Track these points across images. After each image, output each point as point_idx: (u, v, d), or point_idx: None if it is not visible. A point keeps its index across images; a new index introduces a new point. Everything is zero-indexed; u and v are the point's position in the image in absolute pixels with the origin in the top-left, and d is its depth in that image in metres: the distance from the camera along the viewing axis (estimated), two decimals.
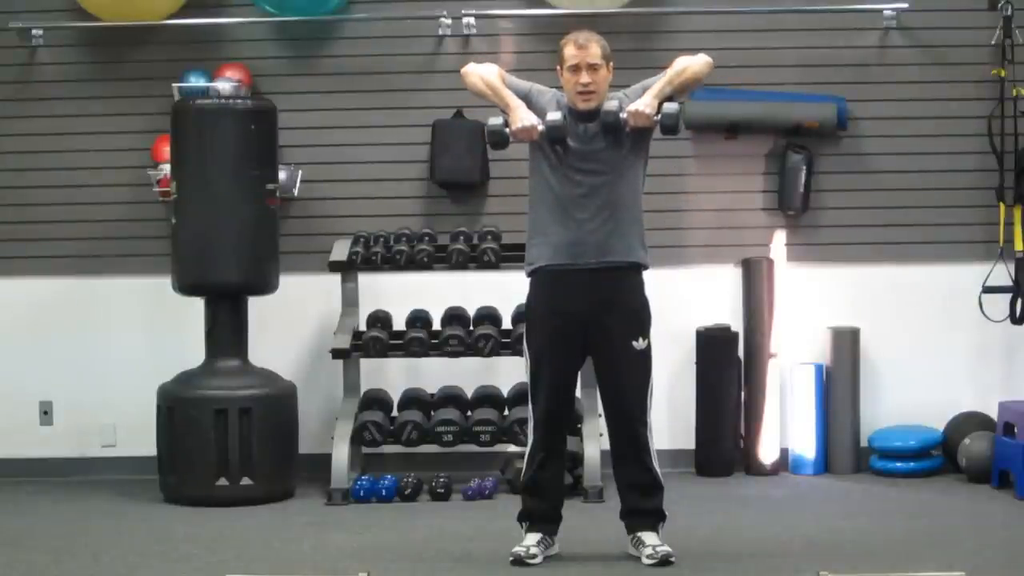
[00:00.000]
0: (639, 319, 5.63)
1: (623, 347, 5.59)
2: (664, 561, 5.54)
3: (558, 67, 5.61)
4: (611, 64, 5.59)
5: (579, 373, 5.80)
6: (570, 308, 5.56)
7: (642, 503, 5.67)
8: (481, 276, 7.31)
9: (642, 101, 5.54)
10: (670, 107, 5.55)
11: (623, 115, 5.50)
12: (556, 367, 5.63)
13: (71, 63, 7.73)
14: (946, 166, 7.56)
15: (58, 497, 7.16)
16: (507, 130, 5.59)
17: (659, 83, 5.61)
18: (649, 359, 5.65)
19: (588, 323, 5.57)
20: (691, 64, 5.63)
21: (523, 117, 5.55)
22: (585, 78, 5.51)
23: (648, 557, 5.57)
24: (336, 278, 7.32)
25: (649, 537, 5.63)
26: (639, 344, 5.61)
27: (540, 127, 5.52)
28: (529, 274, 5.68)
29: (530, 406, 5.69)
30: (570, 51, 5.56)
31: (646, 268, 5.65)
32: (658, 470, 5.67)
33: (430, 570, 5.61)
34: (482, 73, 5.70)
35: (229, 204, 6.94)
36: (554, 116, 5.52)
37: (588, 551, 5.80)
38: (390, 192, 7.67)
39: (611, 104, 5.53)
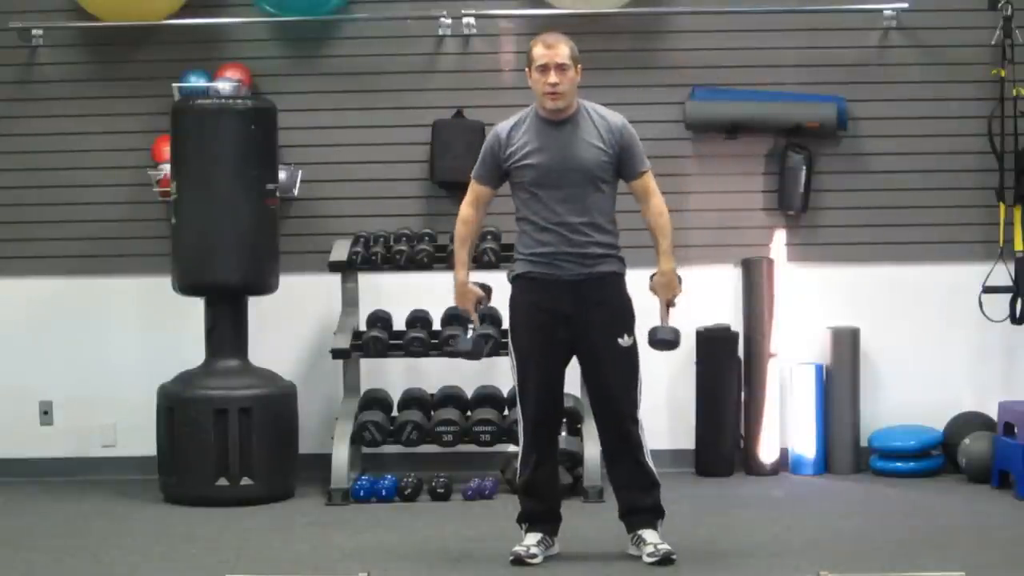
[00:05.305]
0: (622, 316, 5.64)
1: (609, 345, 5.60)
2: (666, 559, 5.55)
3: (527, 68, 5.62)
4: (579, 66, 5.59)
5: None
6: (552, 305, 5.58)
7: (640, 501, 5.69)
8: (481, 276, 7.28)
9: (671, 284, 5.72)
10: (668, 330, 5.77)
11: (670, 336, 5.76)
12: (543, 367, 5.63)
13: (71, 63, 7.73)
14: (946, 166, 7.57)
15: (58, 497, 7.16)
16: (477, 336, 5.93)
17: (670, 253, 5.70)
18: (636, 356, 5.66)
19: (571, 320, 5.58)
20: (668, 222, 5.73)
21: (457, 299, 5.84)
22: (553, 78, 5.51)
23: (649, 555, 5.58)
24: (336, 278, 7.32)
25: (650, 535, 5.64)
26: (625, 341, 5.62)
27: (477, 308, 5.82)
28: (511, 280, 5.73)
29: (519, 408, 5.70)
30: (539, 51, 5.57)
31: (623, 274, 5.69)
32: (653, 466, 5.68)
33: (430, 570, 5.61)
34: (456, 245, 5.80)
35: (229, 204, 6.95)
36: (466, 344, 5.91)
37: (588, 551, 5.80)
38: (390, 192, 7.67)
39: (669, 334, 5.73)
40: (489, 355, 7.01)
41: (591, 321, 5.59)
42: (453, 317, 7.24)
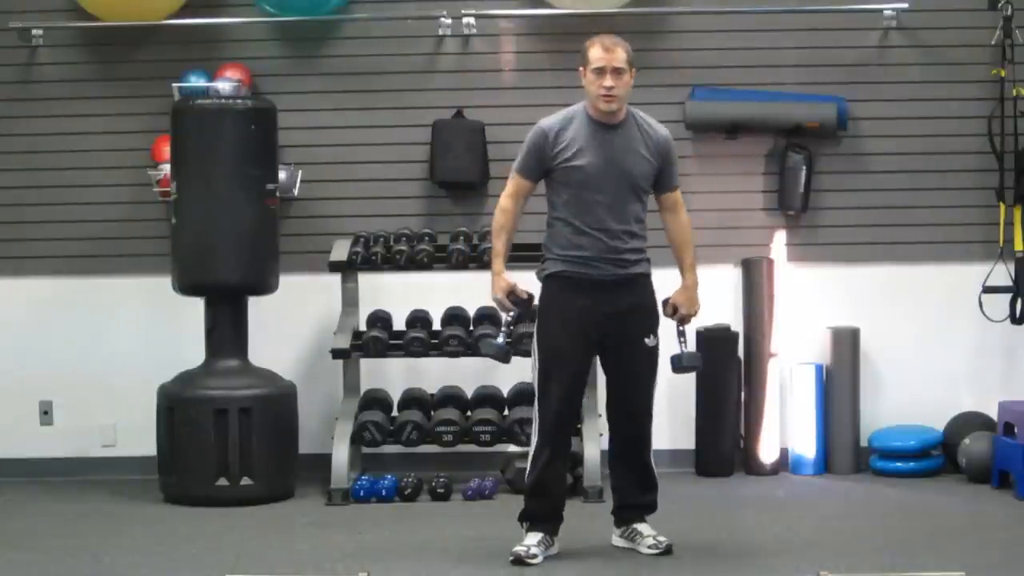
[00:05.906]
0: (651, 317, 5.71)
1: (637, 345, 5.66)
2: (668, 550, 5.64)
3: (581, 68, 5.62)
4: (634, 70, 5.63)
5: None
6: (588, 304, 5.59)
7: (639, 498, 5.77)
8: (481, 276, 7.24)
9: (693, 299, 5.80)
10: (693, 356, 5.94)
11: (695, 363, 5.89)
12: (572, 367, 5.65)
13: (71, 63, 7.73)
14: (946, 166, 7.57)
15: (58, 497, 7.16)
16: (502, 344, 5.85)
17: (695, 268, 5.82)
18: (657, 356, 5.73)
19: (605, 320, 5.61)
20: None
21: (494, 290, 5.75)
22: (609, 82, 5.54)
23: (651, 547, 5.67)
24: (336, 278, 7.32)
25: (644, 528, 5.74)
26: (651, 341, 5.69)
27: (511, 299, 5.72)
28: (542, 278, 5.72)
29: (537, 406, 5.69)
30: (596, 53, 5.58)
31: (650, 275, 5.74)
32: (655, 467, 5.79)
33: (430, 570, 5.61)
34: (493, 235, 5.78)
35: (229, 204, 6.95)
36: (497, 347, 5.85)
37: (588, 551, 5.81)
38: (390, 192, 7.67)
39: (694, 360, 5.88)
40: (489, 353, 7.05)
41: (625, 322, 5.63)
42: (453, 317, 7.25)
